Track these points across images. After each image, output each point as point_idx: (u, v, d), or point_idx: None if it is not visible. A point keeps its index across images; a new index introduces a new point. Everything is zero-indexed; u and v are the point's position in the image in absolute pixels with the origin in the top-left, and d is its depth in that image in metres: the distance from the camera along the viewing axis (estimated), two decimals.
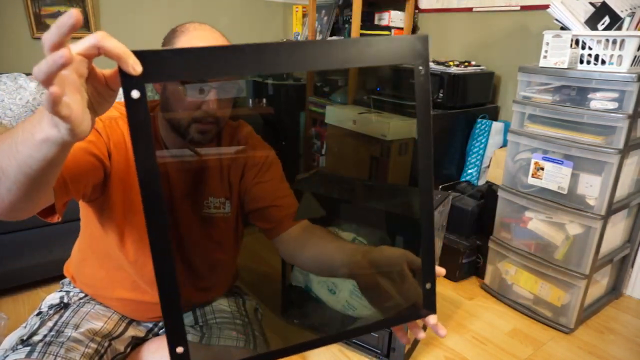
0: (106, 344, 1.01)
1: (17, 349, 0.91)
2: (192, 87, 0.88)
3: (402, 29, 2.64)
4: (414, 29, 2.67)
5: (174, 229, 1.05)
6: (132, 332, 1.11)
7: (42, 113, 0.53)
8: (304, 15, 3.07)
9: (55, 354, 0.89)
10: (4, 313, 1.53)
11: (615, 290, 1.94)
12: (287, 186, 1.10)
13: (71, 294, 1.11)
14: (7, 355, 0.90)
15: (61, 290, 1.13)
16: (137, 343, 1.14)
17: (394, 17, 2.61)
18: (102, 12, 2.46)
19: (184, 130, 0.92)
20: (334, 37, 2.69)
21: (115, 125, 0.93)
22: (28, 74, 2.10)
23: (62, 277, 1.19)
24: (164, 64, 0.52)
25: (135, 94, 0.49)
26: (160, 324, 1.18)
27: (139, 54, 0.51)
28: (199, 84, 0.88)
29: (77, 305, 1.07)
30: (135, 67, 0.51)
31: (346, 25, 2.58)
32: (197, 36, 0.89)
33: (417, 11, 2.64)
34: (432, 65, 2.25)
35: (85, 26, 2.41)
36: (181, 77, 0.52)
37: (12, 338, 0.99)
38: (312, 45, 0.55)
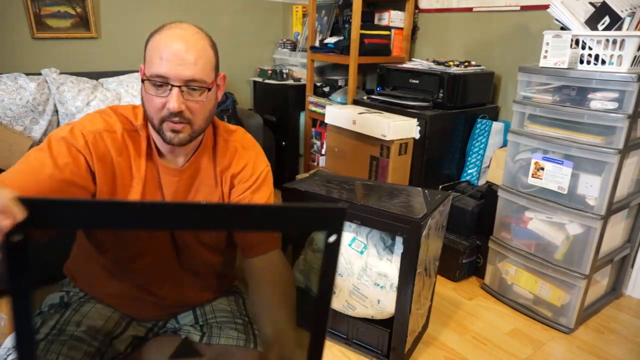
0: (108, 342, 1.02)
1: None
2: (153, 83, 0.89)
3: (402, 29, 2.64)
4: (414, 29, 2.67)
5: (170, 233, 1.02)
6: (132, 331, 1.11)
7: None
8: (304, 15, 3.07)
9: (57, 352, 0.90)
10: (4, 313, 1.53)
11: (615, 290, 1.94)
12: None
13: (71, 293, 1.12)
14: (10, 354, 0.90)
15: (61, 290, 1.14)
16: (137, 343, 1.15)
17: (394, 17, 2.61)
18: (102, 12, 2.46)
19: (159, 130, 0.93)
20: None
21: (100, 139, 0.92)
22: (28, 74, 2.10)
23: (62, 277, 1.19)
24: (50, 212, 0.47)
25: (16, 237, 0.44)
26: (160, 323, 1.18)
27: (25, 202, 0.46)
28: (159, 80, 0.88)
29: (78, 305, 1.07)
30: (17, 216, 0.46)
31: (346, 25, 2.58)
32: (169, 35, 0.89)
33: (417, 11, 2.64)
34: (432, 65, 2.25)
35: (85, 26, 2.41)
36: (69, 226, 0.48)
37: (13, 337, 0.99)
38: (219, 209, 0.52)
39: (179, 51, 0.87)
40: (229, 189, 1.05)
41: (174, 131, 0.91)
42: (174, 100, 0.87)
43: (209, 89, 0.92)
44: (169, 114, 0.89)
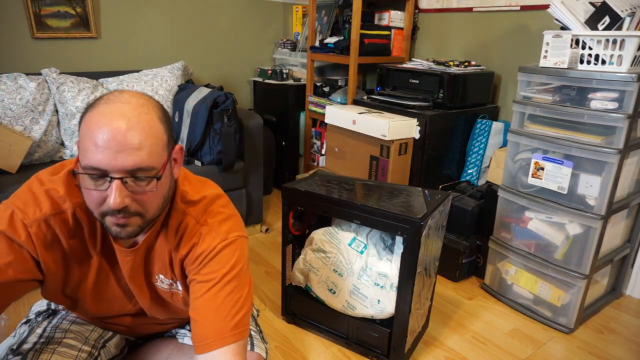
0: (100, 346, 1.01)
1: (8, 359, 0.90)
2: (89, 176, 0.73)
3: (402, 29, 2.64)
4: (414, 29, 2.67)
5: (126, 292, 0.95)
6: (124, 335, 1.10)
7: None
8: (304, 15, 3.07)
9: None
10: (4, 313, 1.53)
11: (615, 290, 1.94)
12: (215, 306, 0.86)
13: None
14: (11, 357, 0.89)
15: None
16: (133, 344, 1.14)
17: (394, 17, 2.61)
18: (102, 12, 2.46)
19: (102, 222, 0.78)
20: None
21: (45, 228, 0.80)
22: (28, 74, 2.10)
23: None
24: None
25: None
26: None
27: None
28: (95, 173, 0.72)
29: (66, 312, 1.06)
30: None
31: (346, 25, 2.58)
32: (104, 113, 0.73)
33: (417, 11, 2.64)
34: (432, 65, 2.25)
35: (85, 26, 2.41)
36: None
37: (1, 348, 0.97)
38: None
39: (117, 134, 0.71)
40: (180, 272, 0.92)
41: (119, 225, 0.77)
42: (114, 196, 0.72)
43: (158, 178, 0.76)
44: (110, 210, 0.75)
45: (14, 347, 0.93)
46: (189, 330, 1.13)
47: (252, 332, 1.12)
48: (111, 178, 0.72)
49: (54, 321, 1.01)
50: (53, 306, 1.08)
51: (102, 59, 2.52)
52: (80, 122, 0.75)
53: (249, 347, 1.06)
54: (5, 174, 1.89)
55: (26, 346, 0.93)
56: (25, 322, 1.04)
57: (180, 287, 0.95)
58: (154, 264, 0.92)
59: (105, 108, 0.73)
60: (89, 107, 0.75)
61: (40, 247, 0.80)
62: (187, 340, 1.10)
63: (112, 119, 0.72)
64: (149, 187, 0.76)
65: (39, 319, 1.03)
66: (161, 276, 0.94)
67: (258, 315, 1.28)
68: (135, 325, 1.04)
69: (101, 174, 0.72)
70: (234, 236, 0.90)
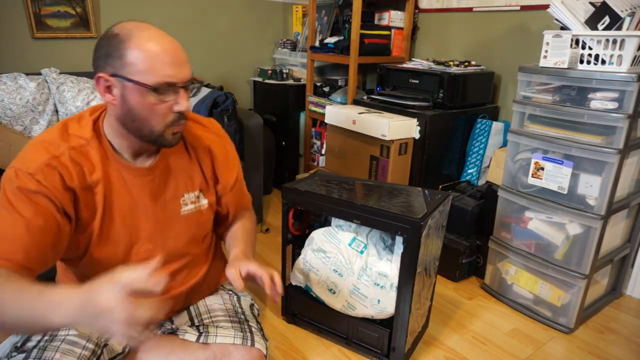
0: (102, 344, 1.01)
1: (11, 357, 0.90)
2: (163, 90, 0.86)
3: (402, 29, 2.64)
4: (414, 29, 2.67)
5: (152, 232, 1.02)
6: None
7: (85, 316, 0.69)
8: (304, 15, 3.07)
9: (50, 358, 0.89)
10: None
11: (615, 290, 1.94)
12: (241, 178, 1.20)
13: None
14: (11, 357, 0.90)
15: None
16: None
17: (394, 17, 2.61)
18: (102, 12, 2.46)
19: (158, 137, 0.91)
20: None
21: (49, 172, 0.87)
22: (28, 74, 2.10)
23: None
24: None
25: None
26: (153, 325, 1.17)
27: None
28: (168, 84, 0.86)
29: None
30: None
31: (346, 25, 2.58)
32: (152, 37, 0.85)
33: (417, 11, 2.64)
34: (432, 65, 2.25)
35: (85, 26, 2.41)
36: None
37: (5, 346, 0.98)
38: None
39: (177, 51, 0.87)
40: (211, 172, 1.10)
41: (175, 133, 0.92)
42: (185, 101, 0.88)
43: (202, 84, 0.97)
44: (177, 117, 0.90)
45: (18, 344, 0.94)
46: (189, 327, 1.13)
47: (253, 329, 1.13)
48: (179, 88, 0.88)
49: None
50: None
51: None
52: (117, 51, 0.84)
53: (249, 343, 1.07)
54: None
55: (30, 344, 0.93)
56: None
57: (205, 200, 1.08)
58: (178, 183, 1.03)
59: (150, 33, 0.85)
60: (121, 37, 0.84)
61: (53, 189, 0.86)
62: (188, 337, 1.11)
63: (166, 41, 0.86)
64: (191, 94, 0.93)
65: None
66: (187, 195, 1.05)
67: (259, 315, 1.28)
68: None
69: (172, 86, 0.87)
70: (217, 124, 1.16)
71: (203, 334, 1.09)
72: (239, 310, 1.20)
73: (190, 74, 0.90)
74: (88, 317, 0.68)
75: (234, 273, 1.01)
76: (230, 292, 1.27)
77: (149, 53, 0.84)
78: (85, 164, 0.91)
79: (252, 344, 1.07)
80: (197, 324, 1.15)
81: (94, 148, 0.93)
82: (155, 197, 1.00)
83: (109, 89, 0.88)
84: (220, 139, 1.13)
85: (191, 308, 1.18)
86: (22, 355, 0.89)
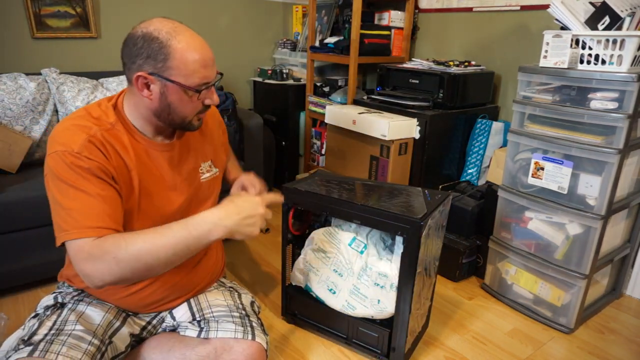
0: (107, 341, 1.02)
1: (19, 349, 0.91)
2: (201, 90, 1.00)
3: (402, 29, 2.64)
4: (414, 29, 2.67)
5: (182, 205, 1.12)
6: (129, 328, 1.12)
7: (218, 228, 0.92)
8: (304, 15, 3.07)
9: (57, 352, 0.90)
10: (4, 313, 1.54)
11: (615, 290, 1.94)
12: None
13: (64, 293, 1.12)
14: (10, 356, 0.90)
15: (54, 292, 1.14)
16: (136, 342, 1.15)
17: (394, 17, 2.61)
18: (102, 12, 2.46)
19: (187, 124, 1.04)
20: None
21: (91, 147, 0.94)
22: (28, 74, 2.10)
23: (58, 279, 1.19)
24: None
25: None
26: (155, 321, 1.18)
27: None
28: (205, 84, 1.00)
29: (73, 304, 1.07)
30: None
31: (346, 25, 2.58)
32: (192, 42, 0.97)
33: (417, 11, 2.64)
34: (432, 65, 2.25)
35: (85, 26, 2.41)
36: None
37: (11, 340, 0.99)
38: None
39: (209, 54, 0.99)
40: (219, 140, 1.27)
41: (200, 119, 1.06)
42: (216, 95, 1.04)
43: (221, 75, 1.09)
44: (205, 108, 1.04)
45: (25, 338, 0.95)
46: (190, 323, 1.14)
47: (254, 323, 1.13)
48: (212, 85, 1.02)
49: (63, 314, 1.03)
50: (60, 299, 1.09)
51: (102, 59, 2.52)
52: (159, 53, 0.94)
53: (249, 337, 1.08)
54: (5, 174, 1.89)
55: (37, 337, 0.94)
56: (34, 317, 1.05)
57: (215, 169, 1.23)
58: (195, 156, 1.15)
59: (188, 38, 0.96)
60: (163, 41, 0.93)
61: (102, 162, 0.94)
62: (189, 333, 1.11)
63: (202, 45, 0.98)
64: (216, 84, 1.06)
65: (48, 312, 1.04)
66: (204, 165, 1.19)
67: (259, 312, 1.29)
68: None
69: (207, 85, 1.00)
70: None
71: (204, 329, 1.10)
72: (240, 306, 1.20)
73: (216, 71, 1.03)
74: (236, 218, 0.94)
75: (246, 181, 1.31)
76: (232, 289, 1.28)
77: (190, 59, 0.95)
78: (117, 145, 0.99)
79: (253, 338, 1.08)
80: (198, 319, 1.15)
81: (121, 130, 1.01)
82: (180, 169, 1.11)
83: (146, 85, 0.97)
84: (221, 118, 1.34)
85: (192, 303, 1.19)
86: (29, 348, 0.90)
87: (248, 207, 0.96)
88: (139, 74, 0.95)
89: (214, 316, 1.14)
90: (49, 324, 0.99)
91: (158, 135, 1.08)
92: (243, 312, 1.17)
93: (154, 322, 1.17)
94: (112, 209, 0.94)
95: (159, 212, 1.07)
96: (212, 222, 0.91)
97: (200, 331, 1.10)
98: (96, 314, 1.06)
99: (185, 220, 0.92)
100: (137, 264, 0.87)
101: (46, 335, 0.95)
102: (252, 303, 1.27)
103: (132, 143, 1.02)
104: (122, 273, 0.87)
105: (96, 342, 0.98)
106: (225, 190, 1.28)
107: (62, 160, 0.91)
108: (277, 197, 1.11)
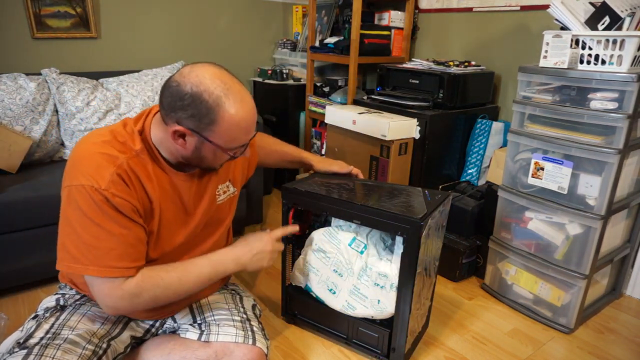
0: (104, 345, 1.01)
1: (14, 352, 0.91)
2: (242, 152, 1.04)
3: (402, 29, 2.64)
4: (414, 29, 2.67)
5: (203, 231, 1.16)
6: (130, 331, 1.11)
7: (236, 265, 1.11)
8: (304, 15, 3.07)
9: (52, 356, 0.89)
10: (4, 313, 1.53)
11: (615, 290, 1.94)
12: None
13: (67, 295, 1.11)
14: (5, 359, 0.90)
15: (57, 293, 1.13)
16: (136, 343, 1.15)
17: (394, 17, 2.61)
18: (102, 12, 2.46)
19: (212, 168, 1.08)
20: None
21: (118, 180, 0.93)
22: (28, 74, 2.11)
23: (60, 280, 1.19)
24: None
25: None
26: (158, 323, 1.18)
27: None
28: (243, 146, 1.02)
29: (74, 308, 1.07)
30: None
31: (346, 25, 2.58)
32: (243, 106, 0.96)
33: (417, 11, 2.64)
34: (432, 65, 2.25)
35: (86, 26, 2.41)
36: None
37: (9, 342, 0.99)
38: None
39: (253, 119, 0.99)
40: (236, 168, 1.27)
41: (222, 165, 1.10)
42: (249, 151, 1.06)
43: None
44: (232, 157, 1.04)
45: (21, 340, 0.94)
46: (191, 325, 1.14)
47: (255, 328, 1.13)
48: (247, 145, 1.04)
49: (62, 317, 1.02)
50: (62, 302, 1.08)
51: (102, 59, 2.52)
52: (207, 112, 0.92)
53: (250, 342, 1.07)
54: (5, 174, 1.89)
55: (33, 340, 0.94)
56: (33, 318, 1.05)
57: (233, 188, 1.25)
58: (212, 180, 1.16)
59: (238, 103, 0.94)
60: (223, 102, 0.92)
61: (127, 197, 0.94)
62: (190, 335, 1.11)
63: (249, 110, 0.97)
64: None
65: (47, 314, 1.04)
66: (220, 187, 1.19)
67: (261, 316, 1.29)
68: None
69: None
70: None
71: (205, 332, 1.10)
72: (241, 309, 1.20)
73: None
74: (249, 255, 1.11)
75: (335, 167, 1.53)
76: (233, 292, 1.28)
77: (236, 128, 0.95)
78: (142, 174, 0.98)
79: (254, 343, 1.08)
80: (199, 322, 1.15)
81: (146, 158, 1.00)
82: (199, 195, 1.12)
83: (182, 137, 0.96)
84: None
85: (194, 305, 1.19)
86: (24, 351, 0.90)
87: (259, 245, 1.14)
88: (177, 128, 0.93)
89: (214, 319, 1.14)
90: (46, 326, 0.99)
91: (183, 167, 1.07)
92: (244, 316, 1.17)
93: (157, 324, 1.17)
94: (134, 247, 0.95)
95: (176, 238, 1.08)
96: (232, 260, 1.09)
97: (201, 334, 1.10)
98: (97, 319, 1.05)
99: (209, 257, 1.06)
100: (168, 298, 1.00)
101: (42, 338, 0.94)
102: (253, 306, 1.27)
103: (156, 172, 1.01)
104: (156, 304, 1.00)
105: (92, 346, 0.97)
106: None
107: (90, 196, 0.89)
108: (288, 229, 1.25)
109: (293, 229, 1.31)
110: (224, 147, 0.97)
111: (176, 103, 0.92)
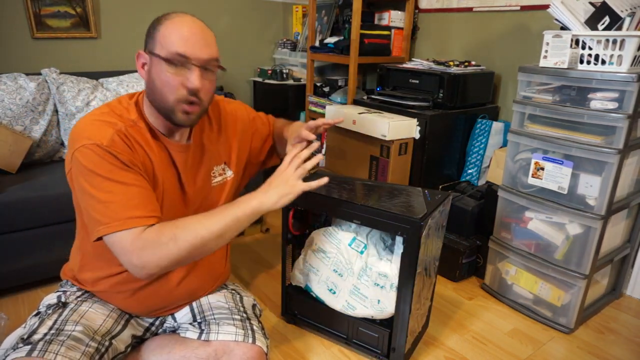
0: (107, 343, 1.02)
1: (17, 348, 0.91)
2: (171, 63, 0.94)
3: (402, 29, 2.64)
4: (414, 29, 2.67)
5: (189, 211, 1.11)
6: (131, 330, 1.11)
7: (262, 206, 1.02)
8: (304, 15, 3.07)
9: (55, 352, 0.89)
10: (4, 313, 1.53)
11: (615, 290, 1.94)
12: (254, 112, 1.36)
13: (68, 292, 1.12)
14: (8, 355, 0.90)
15: (58, 291, 1.13)
16: (137, 342, 1.15)
17: (394, 17, 2.61)
18: (102, 12, 2.46)
19: (171, 112, 0.98)
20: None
21: (119, 141, 0.94)
22: (28, 74, 2.11)
23: (60, 278, 1.19)
24: None
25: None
26: (158, 322, 1.18)
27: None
28: (180, 59, 0.94)
29: (76, 304, 1.07)
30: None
31: (346, 25, 2.58)
32: (182, 20, 0.96)
33: (417, 11, 2.64)
34: (432, 65, 2.25)
35: (86, 26, 2.41)
36: None
37: (11, 338, 0.99)
38: None
39: (197, 32, 0.95)
40: (237, 142, 1.24)
41: (185, 113, 0.98)
42: (195, 79, 0.94)
43: (222, 68, 1.02)
44: (186, 94, 0.96)
45: (25, 336, 0.95)
46: (190, 324, 1.14)
47: (255, 327, 1.13)
48: (193, 65, 0.94)
49: (64, 314, 1.02)
50: (63, 299, 1.09)
51: (102, 59, 2.52)
52: (155, 28, 0.95)
53: (250, 340, 1.07)
54: (5, 174, 1.89)
55: (36, 337, 0.94)
56: (36, 315, 1.05)
57: (230, 172, 1.21)
58: (208, 159, 1.14)
59: (181, 18, 0.95)
60: (162, 18, 0.95)
61: (129, 155, 0.94)
62: (190, 334, 1.11)
63: (190, 23, 0.95)
64: (213, 77, 1.00)
65: (49, 311, 1.04)
66: (216, 169, 1.17)
67: (261, 315, 1.29)
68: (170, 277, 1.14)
69: (184, 62, 0.94)
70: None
71: (204, 331, 1.10)
72: (241, 308, 1.20)
73: (211, 57, 0.97)
74: (277, 189, 1.03)
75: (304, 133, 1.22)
76: (234, 292, 1.28)
77: (170, 28, 0.94)
78: (141, 141, 0.99)
79: (254, 342, 1.08)
80: (199, 321, 1.15)
81: (142, 127, 1.01)
82: (194, 170, 1.11)
83: (143, 65, 0.99)
84: (239, 104, 1.32)
85: (194, 305, 1.19)
86: (28, 347, 0.90)
87: (280, 179, 1.05)
88: (138, 52, 0.98)
89: (214, 318, 1.14)
90: (49, 323, 0.99)
91: (173, 133, 1.07)
92: (244, 315, 1.17)
93: (157, 323, 1.18)
94: (150, 197, 0.95)
95: (176, 210, 1.07)
96: (256, 197, 1.01)
97: (201, 333, 1.10)
98: (98, 316, 1.06)
99: (232, 202, 1.01)
100: (195, 240, 0.92)
101: (45, 334, 0.95)
102: (253, 306, 1.27)
103: (154, 140, 1.02)
104: (180, 253, 0.91)
105: (95, 344, 0.97)
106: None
107: (93, 152, 0.90)
108: (313, 161, 1.09)
109: (321, 182, 1.11)
110: (158, 54, 0.94)
111: (145, 38, 0.98)
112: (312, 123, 1.21)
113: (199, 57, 0.95)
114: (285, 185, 1.04)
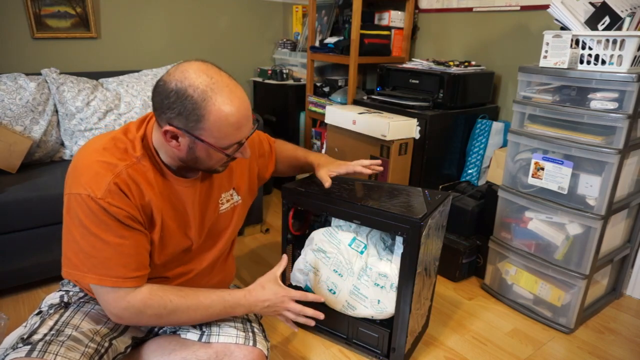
0: (106, 344, 1.02)
1: (17, 348, 0.91)
2: (238, 152, 0.99)
3: (402, 29, 2.64)
4: (414, 29, 2.67)
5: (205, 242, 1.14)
6: (132, 332, 1.11)
7: (247, 310, 1.09)
8: (304, 15, 3.07)
9: (55, 352, 0.89)
10: (4, 313, 1.53)
11: (615, 290, 1.94)
12: (260, 134, 1.39)
13: (71, 293, 1.12)
14: (8, 354, 0.90)
15: (61, 290, 1.13)
16: (137, 343, 1.15)
17: (394, 17, 2.61)
18: (102, 12, 2.46)
19: (213, 170, 1.03)
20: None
21: (115, 190, 0.92)
22: (28, 74, 2.10)
23: (62, 277, 1.19)
24: None
25: None
26: None
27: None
28: (238, 144, 0.97)
29: (77, 305, 1.07)
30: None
31: (346, 25, 2.58)
32: (232, 100, 0.91)
33: (417, 11, 2.64)
34: (432, 65, 2.25)
35: (86, 26, 2.41)
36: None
37: (12, 337, 0.99)
38: None
39: (245, 113, 0.93)
40: (246, 166, 1.25)
41: (225, 166, 1.04)
42: (248, 151, 1.02)
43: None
44: (233, 158, 1.00)
45: (25, 336, 0.95)
46: (192, 326, 1.14)
47: (256, 329, 1.13)
48: (245, 140, 0.98)
49: (66, 315, 1.02)
50: (66, 299, 1.08)
51: (102, 59, 2.52)
52: (194, 115, 0.89)
53: (251, 343, 1.07)
54: (5, 174, 1.89)
55: (36, 337, 0.94)
56: (37, 314, 1.05)
57: (238, 197, 1.21)
58: (215, 187, 1.13)
59: (224, 98, 0.89)
60: (210, 96, 0.88)
61: (125, 207, 0.92)
62: (190, 336, 1.11)
63: (238, 104, 0.91)
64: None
65: (51, 311, 1.04)
66: (224, 196, 1.16)
67: (261, 317, 1.29)
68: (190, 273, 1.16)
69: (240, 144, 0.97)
70: None
71: (205, 333, 1.10)
72: None
73: (252, 123, 0.98)
74: (261, 307, 1.09)
75: (323, 174, 1.36)
76: None
77: (225, 123, 0.90)
78: (142, 182, 0.96)
79: (255, 344, 1.08)
80: (200, 323, 1.15)
81: (147, 165, 0.98)
82: (203, 203, 1.10)
83: (174, 137, 0.93)
84: None
85: None
86: (28, 347, 0.90)
87: (274, 300, 1.11)
88: (168, 128, 0.91)
89: (215, 320, 1.14)
90: (50, 323, 0.99)
91: (185, 172, 1.05)
92: (245, 317, 1.17)
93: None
94: (132, 256, 0.94)
95: (179, 245, 1.07)
96: (245, 307, 1.08)
97: (202, 335, 1.10)
98: (100, 317, 1.06)
99: (223, 297, 1.05)
100: (170, 322, 1.03)
101: (45, 335, 0.95)
102: None
103: (157, 179, 0.99)
104: (159, 324, 1.05)
105: (94, 344, 0.97)
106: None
107: (86, 205, 0.89)
108: (309, 297, 1.16)
109: (315, 297, 1.18)
110: (216, 146, 0.93)
111: (163, 102, 0.90)
112: (365, 162, 1.40)
113: (249, 131, 0.97)
114: (279, 307, 1.12)
